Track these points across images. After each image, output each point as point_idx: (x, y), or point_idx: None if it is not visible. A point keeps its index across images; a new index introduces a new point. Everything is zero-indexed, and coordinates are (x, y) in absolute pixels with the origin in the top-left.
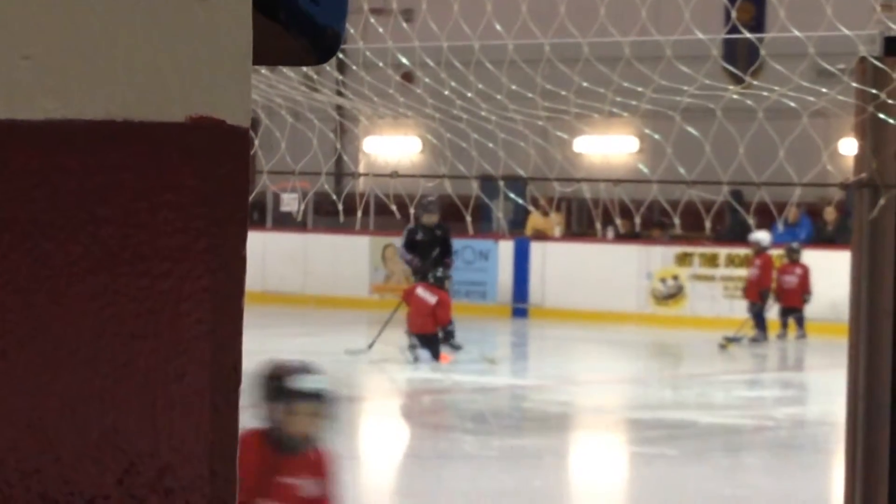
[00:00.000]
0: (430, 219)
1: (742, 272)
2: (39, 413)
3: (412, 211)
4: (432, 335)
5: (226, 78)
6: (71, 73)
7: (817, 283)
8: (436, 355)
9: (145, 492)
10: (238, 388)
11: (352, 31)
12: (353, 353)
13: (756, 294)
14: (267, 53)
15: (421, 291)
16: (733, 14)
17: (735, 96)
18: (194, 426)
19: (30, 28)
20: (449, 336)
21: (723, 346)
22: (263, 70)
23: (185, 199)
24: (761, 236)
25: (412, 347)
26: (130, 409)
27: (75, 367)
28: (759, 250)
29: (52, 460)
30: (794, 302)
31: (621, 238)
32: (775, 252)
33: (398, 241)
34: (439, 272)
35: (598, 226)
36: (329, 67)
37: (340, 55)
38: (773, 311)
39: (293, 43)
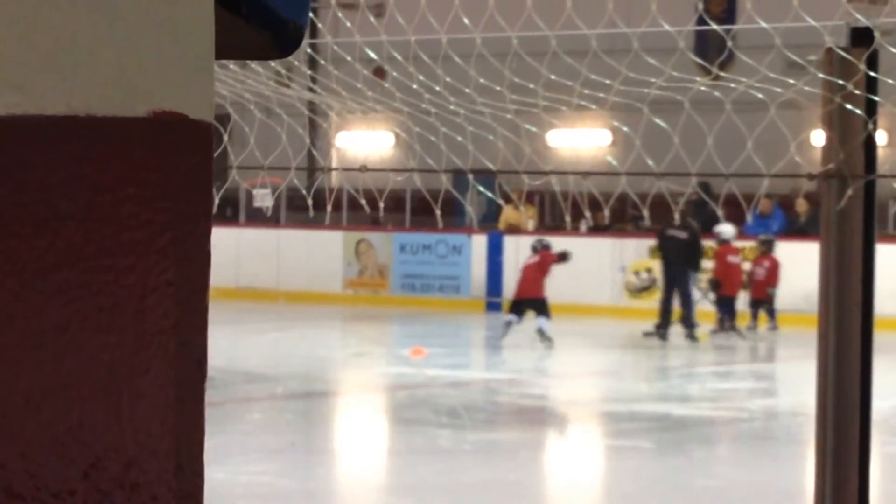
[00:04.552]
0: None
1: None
2: (4, 408)
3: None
4: (543, 299)
5: (189, 72)
6: (33, 68)
7: (791, 274)
8: (548, 316)
9: (111, 486)
10: (203, 381)
11: (320, 26)
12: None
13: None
14: (230, 48)
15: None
16: (699, 6)
17: (703, 88)
18: (160, 420)
19: None
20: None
21: (647, 334)
22: (232, 65)
23: (149, 194)
24: (725, 229)
25: (507, 324)
26: (95, 404)
27: (40, 362)
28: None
29: (17, 455)
30: (761, 294)
31: (595, 231)
32: (749, 244)
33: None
34: (540, 241)
35: (568, 219)
36: (298, 62)
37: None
38: (741, 302)
39: (256, 37)
